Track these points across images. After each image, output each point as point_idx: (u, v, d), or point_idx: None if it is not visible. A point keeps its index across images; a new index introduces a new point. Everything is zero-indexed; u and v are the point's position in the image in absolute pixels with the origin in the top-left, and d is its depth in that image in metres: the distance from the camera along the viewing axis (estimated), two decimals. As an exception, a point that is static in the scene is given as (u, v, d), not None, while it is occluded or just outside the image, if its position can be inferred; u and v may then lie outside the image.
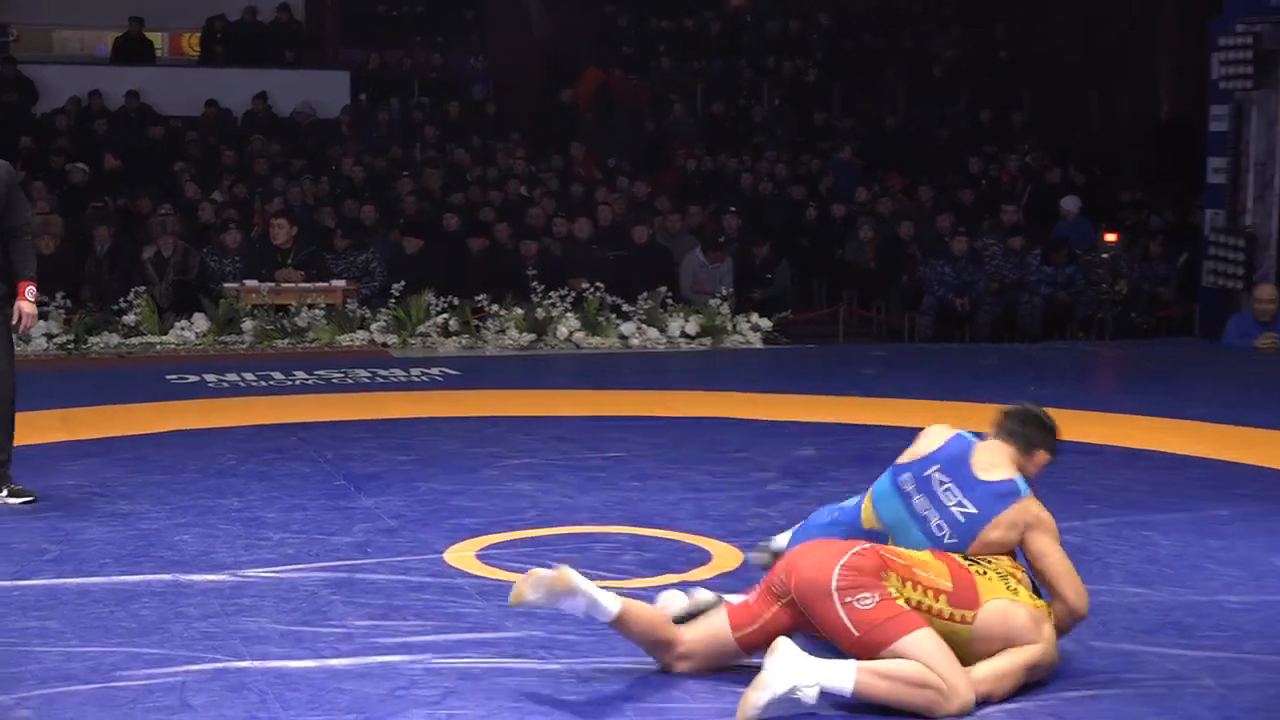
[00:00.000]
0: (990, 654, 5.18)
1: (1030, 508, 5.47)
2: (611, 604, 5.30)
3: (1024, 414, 5.72)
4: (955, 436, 5.69)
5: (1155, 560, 6.99)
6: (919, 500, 5.59)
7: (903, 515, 5.62)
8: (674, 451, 9.47)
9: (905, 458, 5.72)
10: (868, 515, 5.79)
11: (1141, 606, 6.25)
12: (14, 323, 8.07)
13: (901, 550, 5.34)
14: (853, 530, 5.74)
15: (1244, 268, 15.43)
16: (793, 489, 8.43)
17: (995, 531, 5.43)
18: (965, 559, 5.34)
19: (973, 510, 5.46)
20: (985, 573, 5.29)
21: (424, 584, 6.53)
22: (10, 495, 7.97)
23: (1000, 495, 5.47)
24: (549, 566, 5.27)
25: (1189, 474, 8.91)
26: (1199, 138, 16.83)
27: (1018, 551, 5.50)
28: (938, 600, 5.15)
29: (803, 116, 21.47)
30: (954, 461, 5.58)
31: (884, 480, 5.75)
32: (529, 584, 5.25)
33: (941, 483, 5.56)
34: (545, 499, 8.18)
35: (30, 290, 8.08)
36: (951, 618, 5.15)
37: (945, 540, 5.47)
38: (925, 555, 5.30)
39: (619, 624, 5.34)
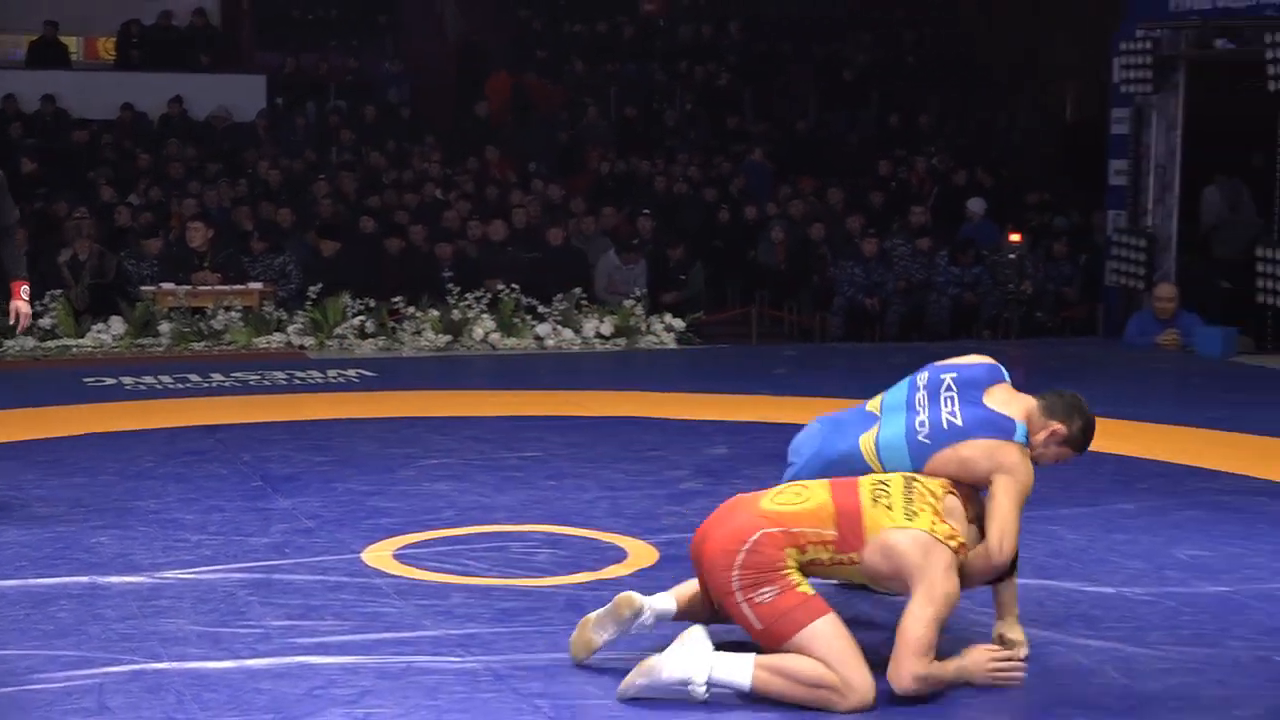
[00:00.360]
0: (885, 583, 5.22)
1: (1013, 451, 5.44)
2: (669, 603, 5.38)
3: (1068, 394, 5.71)
4: (991, 365, 5.73)
5: (1062, 554, 7.05)
6: (920, 395, 5.67)
7: (901, 400, 5.73)
8: (589, 451, 9.47)
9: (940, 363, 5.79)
10: (874, 402, 5.88)
11: (1049, 599, 6.31)
12: (11, 323, 8.02)
13: (782, 503, 5.26)
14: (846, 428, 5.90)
15: (1145, 268, 15.58)
16: (706, 487, 8.44)
17: (968, 450, 5.44)
18: (872, 485, 5.31)
19: (959, 423, 5.50)
20: (884, 497, 5.25)
21: (341, 584, 6.51)
22: None
23: (993, 424, 5.49)
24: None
25: (1094, 469, 8.97)
26: (1101, 141, 16.98)
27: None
28: (824, 551, 5.17)
29: (715, 120, 21.52)
30: (971, 382, 5.62)
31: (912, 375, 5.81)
32: (593, 629, 5.30)
33: (949, 389, 5.61)
34: (462, 499, 8.16)
35: (25, 290, 8.05)
36: (839, 562, 5.20)
37: (919, 438, 5.54)
38: (811, 503, 5.23)
39: (680, 616, 5.39)
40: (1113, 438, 9.84)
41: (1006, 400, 5.58)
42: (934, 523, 5.18)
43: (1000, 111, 22.95)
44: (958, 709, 5.07)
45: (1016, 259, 16.97)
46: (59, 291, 14.72)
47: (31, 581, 6.54)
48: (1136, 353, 14.21)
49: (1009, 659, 5.30)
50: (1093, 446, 9.41)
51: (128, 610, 6.14)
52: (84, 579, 6.59)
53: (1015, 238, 17.30)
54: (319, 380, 12.59)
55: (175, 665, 5.48)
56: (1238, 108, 16.67)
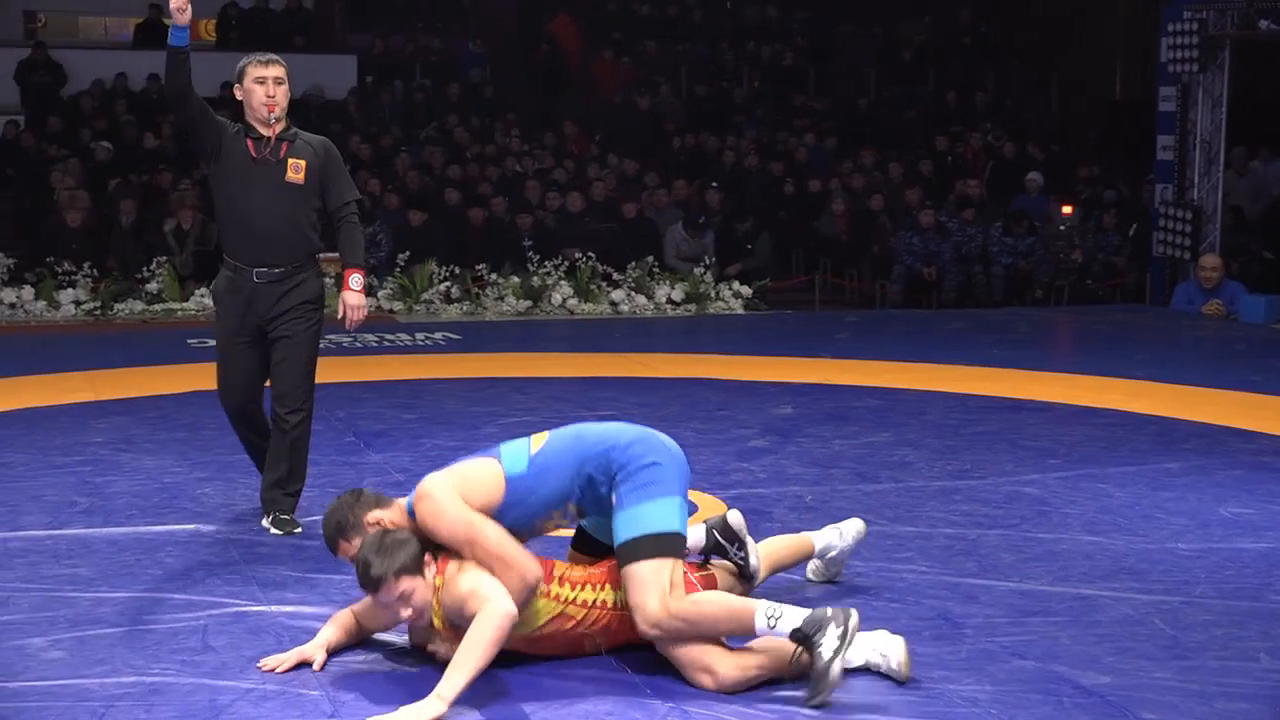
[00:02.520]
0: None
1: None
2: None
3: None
4: None
5: (1110, 510, 7.00)
6: None
7: None
8: (661, 410, 9.47)
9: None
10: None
11: (1097, 554, 6.27)
12: (339, 316, 6.76)
13: None
14: None
15: (1191, 239, 15.44)
16: (773, 445, 8.44)
17: None
18: None
19: None
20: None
21: (429, 533, 6.53)
22: (273, 525, 6.64)
23: None
24: None
25: (1140, 430, 8.93)
26: (1150, 117, 16.82)
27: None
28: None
29: (780, 97, 21.42)
30: None
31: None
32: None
33: None
34: (542, 454, 8.16)
35: (357, 279, 6.76)
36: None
37: None
38: None
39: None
40: (1158, 400, 9.82)
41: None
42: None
43: (1051, 90, 22.75)
44: (1008, 657, 5.04)
45: (1067, 229, 16.86)
46: (164, 258, 14.85)
47: (142, 529, 6.62)
48: (1182, 319, 14.09)
49: None
50: (1138, 408, 9.47)
51: (230, 556, 6.20)
52: (190, 527, 6.66)
53: (1067, 209, 17.18)
54: (407, 342, 12.66)
55: (274, 608, 5.52)
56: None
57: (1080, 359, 12.01)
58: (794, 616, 4.71)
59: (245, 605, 5.55)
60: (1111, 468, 7.87)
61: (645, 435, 5.07)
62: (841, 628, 4.65)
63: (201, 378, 10.64)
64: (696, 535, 5.34)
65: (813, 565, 5.79)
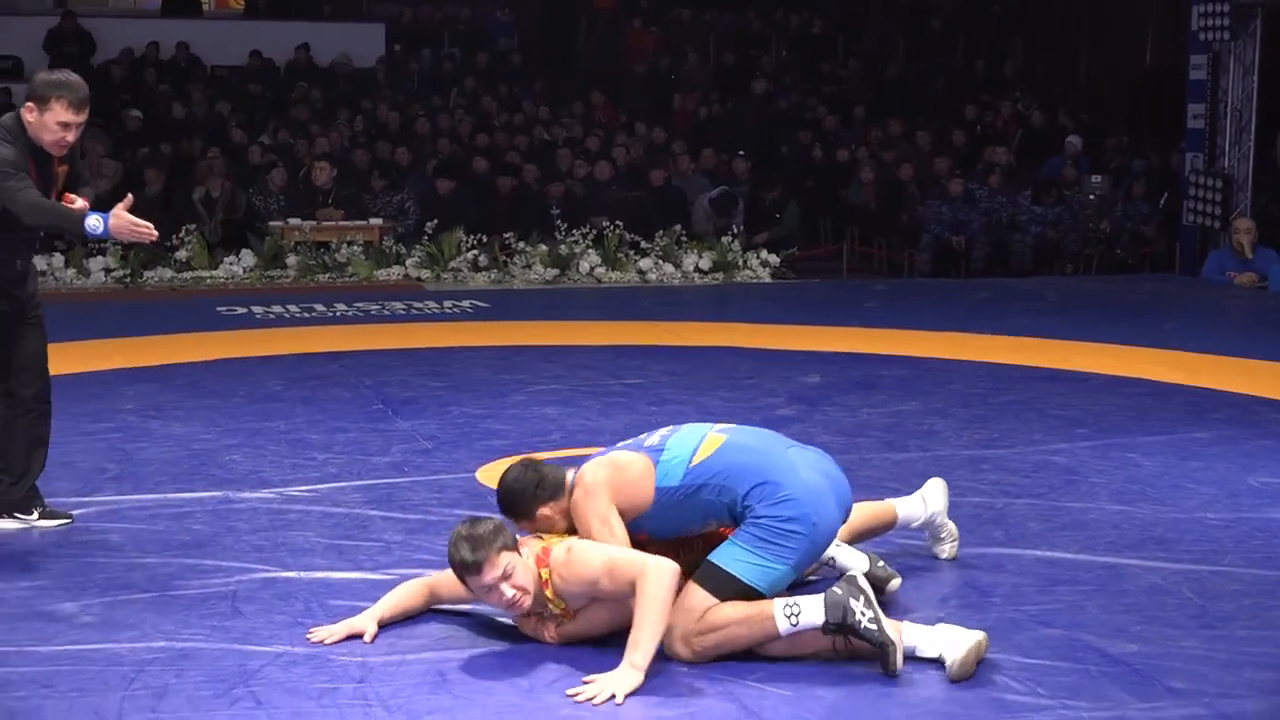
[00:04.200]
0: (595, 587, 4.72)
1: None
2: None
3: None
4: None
5: (1138, 480, 6.98)
6: None
7: None
8: (688, 378, 9.47)
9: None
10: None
11: (1125, 523, 6.25)
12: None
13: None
14: None
15: (1221, 207, 15.36)
16: (800, 413, 8.43)
17: None
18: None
19: None
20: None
21: (457, 500, 6.55)
22: (41, 518, 6.21)
23: None
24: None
25: (1169, 400, 8.89)
26: (1180, 86, 16.72)
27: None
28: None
29: (808, 66, 21.33)
30: None
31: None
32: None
33: None
34: (569, 422, 8.19)
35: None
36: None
37: None
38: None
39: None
40: (1188, 369, 9.78)
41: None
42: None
43: (1081, 58, 22.62)
44: (1035, 625, 5.03)
45: (1097, 198, 16.78)
46: (194, 226, 14.88)
47: (170, 496, 6.64)
48: (1212, 289, 14.02)
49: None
50: (1167, 378, 9.43)
51: (259, 523, 6.22)
52: (219, 494, 6.68)
53: (1095, 179, 17.12)
54: (435, 310, 12.67)
55: (303, 574, 5.54)
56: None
57: (1109, 328, 11.96)
58: (813, 607, 4.63)
59: (274, 571, 5.57)
60: (1140, 437, 7.84)
61: (805, 491, 4.80)
62: (860, 595, 4.59)
63: (232, 345, 10.70)
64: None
65: (938, 548, 5.74)
